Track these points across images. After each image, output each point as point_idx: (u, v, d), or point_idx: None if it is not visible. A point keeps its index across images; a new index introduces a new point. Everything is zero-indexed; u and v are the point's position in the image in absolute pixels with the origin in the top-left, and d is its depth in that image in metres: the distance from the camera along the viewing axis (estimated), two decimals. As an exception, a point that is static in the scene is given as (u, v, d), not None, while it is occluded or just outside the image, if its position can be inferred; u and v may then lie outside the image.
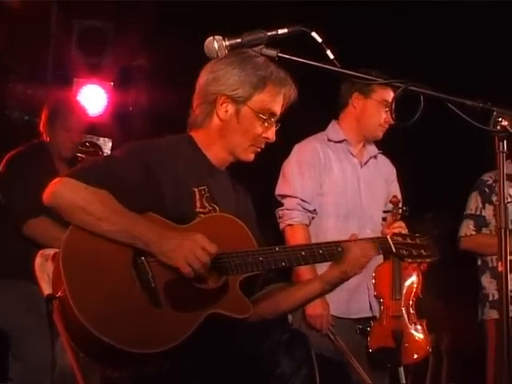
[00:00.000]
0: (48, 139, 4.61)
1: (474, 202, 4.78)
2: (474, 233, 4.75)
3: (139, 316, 2.47)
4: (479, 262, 4.79)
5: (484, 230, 4.74)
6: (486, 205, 4.74)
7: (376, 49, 5.68)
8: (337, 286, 2.82)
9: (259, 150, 2.83)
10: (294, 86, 2.82)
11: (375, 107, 4.18)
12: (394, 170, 4.43)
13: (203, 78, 2.81)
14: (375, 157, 4.36)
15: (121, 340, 2.40)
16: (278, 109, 2.80)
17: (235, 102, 2.76)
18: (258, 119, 2.77)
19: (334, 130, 4.31)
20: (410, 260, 2.89)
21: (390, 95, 4.14)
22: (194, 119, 2.84)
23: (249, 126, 2.78)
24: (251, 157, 2.83)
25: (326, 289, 2.82)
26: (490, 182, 4.77)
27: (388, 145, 4.39)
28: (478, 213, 4.76)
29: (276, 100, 2.79)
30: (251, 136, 2.79)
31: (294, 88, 2.82)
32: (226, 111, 2.77)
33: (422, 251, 2.88)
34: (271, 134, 2.81)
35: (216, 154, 2.83)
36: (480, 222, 4.75)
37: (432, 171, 6.14)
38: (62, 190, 2.56)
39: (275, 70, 2.77)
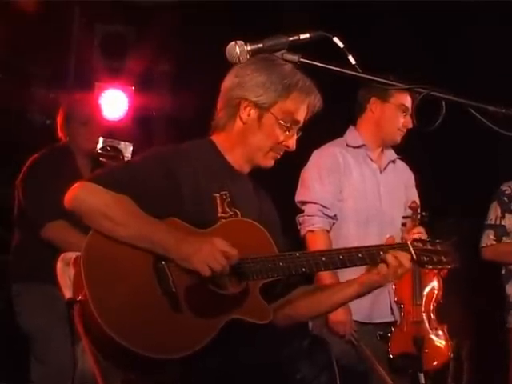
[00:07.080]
0: (67, 139, 4.64)
1: (493, 212, 4.81)
2: (494, 243, 4.78)
3: (159, 321, 2.47)
4: (503, 271, 4.81)
5: (504, 239, 4.75)
6: (506, 214, 4.75)
7: (394, 53, 5.67)
8: (373, 290, 2.77)
9: (278, 156, 2.82)
10: (320, 95, 2.80)
11: (393, 111, 4.18)
12: (413, 175, 4.43)
13: (228, 81, 2.80)
14: (394, 162, 4.36)
15: (140, 345, 2.40)
16: (301, 117, 2.79)
17: (258, 107, 2.75)
18: (280, 126, 2.76)
19: (352, 135, 4.31)
20: (430, 266, 2.86)
21: (407, 99, 4.15)
22: (217, 122, 2.84)
23: (270, 132, 2.77)
24: (271, 163, 2.82)
25: (364, 292, 2.76)
26: (509, 191, 4.78)
27: (406, 150, 4.37)
28: (498, 223, 4.78)
29: (300, 108, 2.77)
30: (271, 142, 2.77)
31: (319, 97, 2.80)
32: (249, 115, 2.76)
33: (442, 257, 2.82)
34: (291, 143, 2.80)
35: (236, 157, 2.82)
36: (500, 232, 4.77)
37: (451, 177, 6.12)
38: (82, 195, 2.57)
39: (301, 78, 2.75)
